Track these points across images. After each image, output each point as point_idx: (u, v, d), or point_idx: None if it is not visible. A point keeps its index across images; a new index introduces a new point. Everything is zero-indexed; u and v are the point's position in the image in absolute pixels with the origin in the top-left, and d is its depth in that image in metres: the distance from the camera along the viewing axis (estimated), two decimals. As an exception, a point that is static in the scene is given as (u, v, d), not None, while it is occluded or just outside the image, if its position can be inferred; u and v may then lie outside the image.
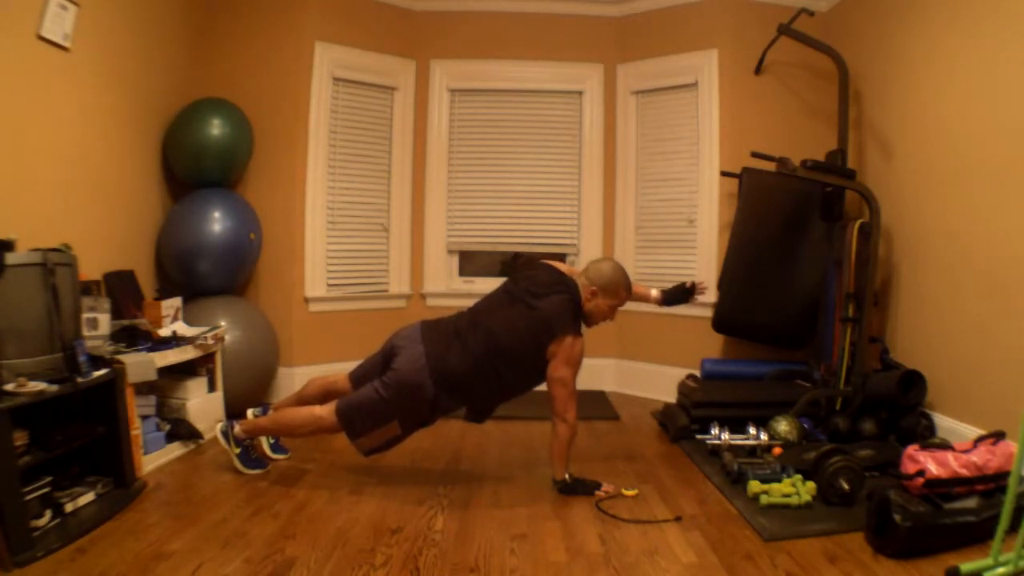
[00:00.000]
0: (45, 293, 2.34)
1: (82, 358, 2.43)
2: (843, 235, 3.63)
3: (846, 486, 2.52)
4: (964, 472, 2.44)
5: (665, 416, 3.76)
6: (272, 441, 3.08)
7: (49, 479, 2.30)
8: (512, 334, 2.67)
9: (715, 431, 3.24)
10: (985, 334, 2.96)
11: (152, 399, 3.09)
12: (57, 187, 3.03)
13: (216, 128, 3.81)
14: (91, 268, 3.08)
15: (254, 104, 4.14)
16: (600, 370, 4.77)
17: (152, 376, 2.85)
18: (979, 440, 2.57)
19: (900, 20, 3.63)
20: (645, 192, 4.71)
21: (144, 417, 2.97)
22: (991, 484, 2.44)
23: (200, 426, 3.27)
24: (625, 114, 4.75)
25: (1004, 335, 2.84)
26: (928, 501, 2.32)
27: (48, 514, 2.25)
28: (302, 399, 2.97)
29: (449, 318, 2.84)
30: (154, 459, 2.94)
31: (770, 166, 3.74)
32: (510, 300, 2.77)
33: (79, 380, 2.39)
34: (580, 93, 4.80)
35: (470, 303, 2.90)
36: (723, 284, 3.96)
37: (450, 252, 4.85)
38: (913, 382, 3.25)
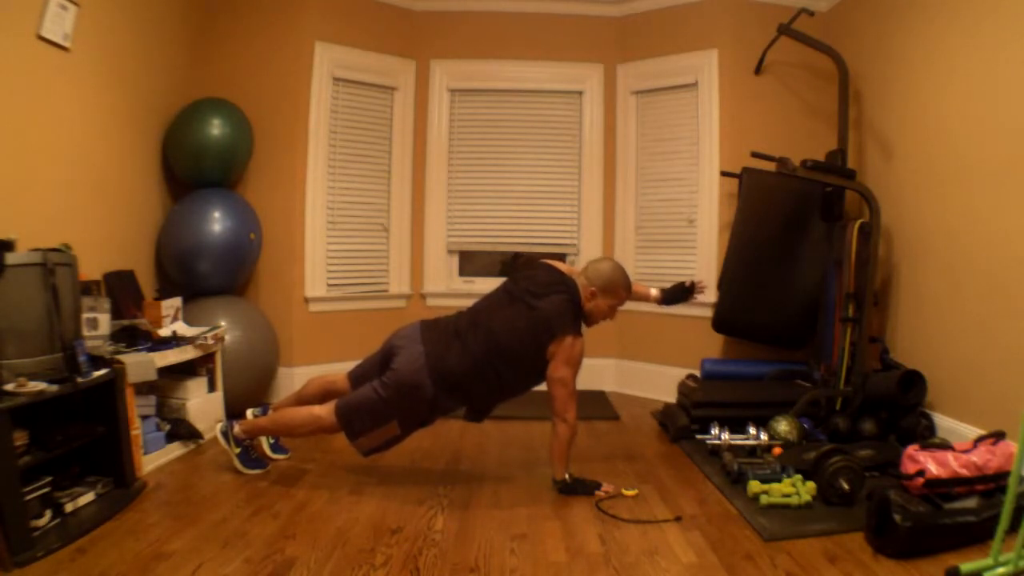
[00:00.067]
0: (45, 293, 2.34)
1: (82, 358, 2.43)
2: (843, 235, 3.63)
3: (846, 486, 2.52)
4: (964, 472, 2.44)
5: (665, 416, 3.76)
6: (272, 441, 3.08)
7: (49, 479, 2.30)
8: (512, 334, 2.67)
9: (715, 431, 3.24)
10: (985, 334, 2.96)
11: (152, 399, 3.09)
12: (57, 187, 3.03)
13: (216, 128, 3.81)
14: (91, 268, 3.08)
15: (254, 104, 4.14)
16: (600, 370, 4.77)
17: (152, 376, 2.85)
18: (979, 440, 2.57)
19: (900, 20, 3.62)
20: (645, 192, 4.71)
21: (144, 417, 2.97)
22: (991, 484, 2.44)
23: (200, 426, 3.27)
24: (625, 114, 4.75)
25: (1004, 335, 2.84)
26: (928, 501, 2.32)
27: (48, 514, 2.25)
28: (301, 399, 2.97)
29: (449, 318, 2.84)
30: (154, 459, 2.94)
31: (770, 166, 3.74)
32: (510, 300, 2.77)
33: (79, 380, 2.39)
34: (580, 93, 4.80)
35: (470, 303, 2.90)
36: (723, 284, 3.96)
37: (450, 252, 4.85)
38: (913, 382, 3.25)
